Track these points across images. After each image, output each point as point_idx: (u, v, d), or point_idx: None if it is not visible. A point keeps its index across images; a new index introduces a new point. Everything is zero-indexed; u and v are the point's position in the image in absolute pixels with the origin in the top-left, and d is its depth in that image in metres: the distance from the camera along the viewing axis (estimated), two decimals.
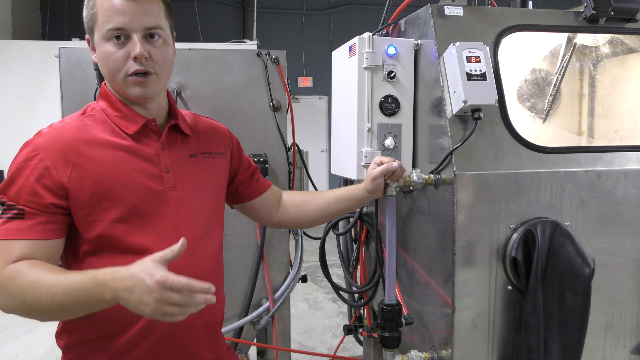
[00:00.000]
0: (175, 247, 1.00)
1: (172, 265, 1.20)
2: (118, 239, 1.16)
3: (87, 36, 1.23)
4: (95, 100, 1.29)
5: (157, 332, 1.20)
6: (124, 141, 1.21)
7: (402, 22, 1.74)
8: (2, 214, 1.11)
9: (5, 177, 1.14)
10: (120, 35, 1.15)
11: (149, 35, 1.17)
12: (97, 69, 1.84)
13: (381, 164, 1.43)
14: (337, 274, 4.39)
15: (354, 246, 2.08)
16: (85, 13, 1.19)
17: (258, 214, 1.57)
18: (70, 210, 1.15)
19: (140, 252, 1.01)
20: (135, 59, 1.15)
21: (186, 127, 1.32)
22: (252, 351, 2.43)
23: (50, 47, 5.52)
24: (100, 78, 1.84)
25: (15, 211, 1.10)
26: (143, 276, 0.96)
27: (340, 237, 2.12)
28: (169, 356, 1.24)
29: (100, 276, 1.01)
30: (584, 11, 1.64)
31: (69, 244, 1.18)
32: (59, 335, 1.26)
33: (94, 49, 1.21)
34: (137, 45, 1.14)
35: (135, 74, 1.16)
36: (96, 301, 1.02)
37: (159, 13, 1.19)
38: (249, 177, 1.51)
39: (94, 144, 1.17)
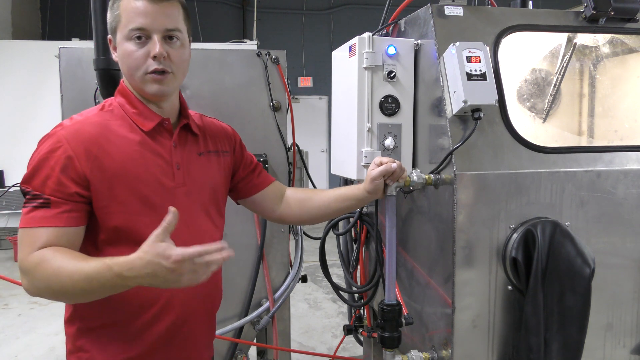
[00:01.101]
0: (169, 217, 1.04)
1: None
2: (133, 231, 1.20)
3: (109, 36, 1.29)
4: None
5: (168, 319, 1.26)
6: (140, 137, 1.26)
7: (402, 22, 1.74)
8: (26, 202, 1.15)
9: (27, 168, 1.18)
10: (141, 36, 1.21)
11: (168, 37, 1.24)
12: (97, 69, 1.84)
13: (381, 164, 1.44)
14: (337, 274, 4.39)
15: (354, 246, 2.08)
16: (109, 15, 1.27)
17: (260, 208, 1.61)
18: (91, 200, 1.19)
19: None
20: (155, 57, 1.21)
21: (196, 127, 1.39)
22: (252, 351, 2.43)
23: (50, 47, 5.54)
24: (101, 78, 1.84)
25: (41, 200, 1.14)
26: (159, 260, 1.00)
27: (340, 237, 2.12)
28: (179, 340, 1.30)
29: (116, 268, 1.04)
30: (584, 11, 1.65)
31: (88, 233, 1.22)
32: (68, 321, 1.29)
33: (115, 48, 1.28)
34: (157, 45, 1.20)
35: (154, 72, 1.22)
36: (119, 287, 1.08)
37: (178, 16, 1.26)
38: (249, 173, 1.55)
39: (113, 139, 1.23)
